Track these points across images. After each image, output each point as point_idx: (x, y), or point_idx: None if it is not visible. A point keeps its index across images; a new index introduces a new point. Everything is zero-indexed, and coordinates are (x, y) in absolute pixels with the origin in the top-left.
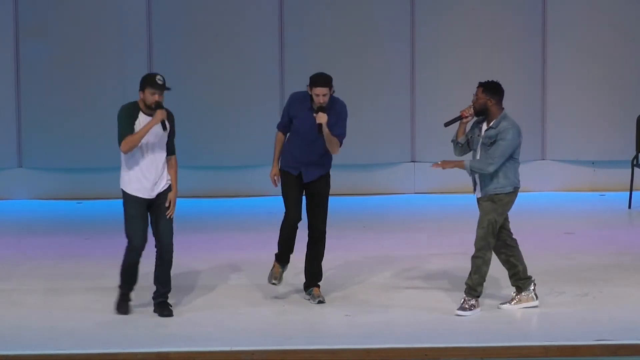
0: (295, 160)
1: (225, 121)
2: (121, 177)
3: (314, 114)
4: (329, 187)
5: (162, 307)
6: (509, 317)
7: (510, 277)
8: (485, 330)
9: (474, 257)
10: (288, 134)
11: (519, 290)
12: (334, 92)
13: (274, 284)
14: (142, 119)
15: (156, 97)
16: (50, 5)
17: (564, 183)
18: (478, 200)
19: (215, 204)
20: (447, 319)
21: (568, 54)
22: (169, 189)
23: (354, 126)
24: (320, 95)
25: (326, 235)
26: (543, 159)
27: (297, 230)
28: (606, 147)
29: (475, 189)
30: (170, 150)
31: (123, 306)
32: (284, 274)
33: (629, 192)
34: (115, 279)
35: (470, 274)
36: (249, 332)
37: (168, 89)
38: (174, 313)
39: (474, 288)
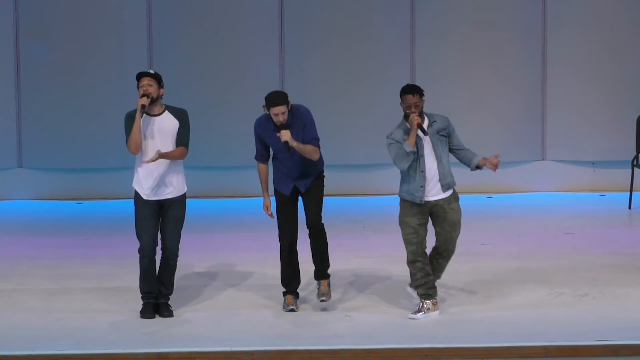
0: (286, 177)
1: (225, 121)
2: (134, 176)
3: (277, 134)
4: (322, 184)
5: (163, 308)
6: (509, 317)
7: (422, 285)
8: (485, 330)
9: (449, 258)
10: (271, 158)
11: (428, 297)
12: (291, 107)
13: (292, 309)
14: (144, 119)
15: (144, 88)
16: (50, 5)
17: (564, 183)
18: (438, 203)
19: (215, 204)
20: (447, 319)
21: (568, 54)
22: (181, 196)
23: (354, 126)
24: (279, 114)
25: (325, 229)
26: (543, 159)
27: (298, 256)
28: (606, 147)
29: (425, 193)
30: (181, 142)
31: (148, 312)
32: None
33: (629, 192)
34: (115, 279)
35: (439, 272)
36: (249, 332)
37: (159, 79)
38: (174, 314)
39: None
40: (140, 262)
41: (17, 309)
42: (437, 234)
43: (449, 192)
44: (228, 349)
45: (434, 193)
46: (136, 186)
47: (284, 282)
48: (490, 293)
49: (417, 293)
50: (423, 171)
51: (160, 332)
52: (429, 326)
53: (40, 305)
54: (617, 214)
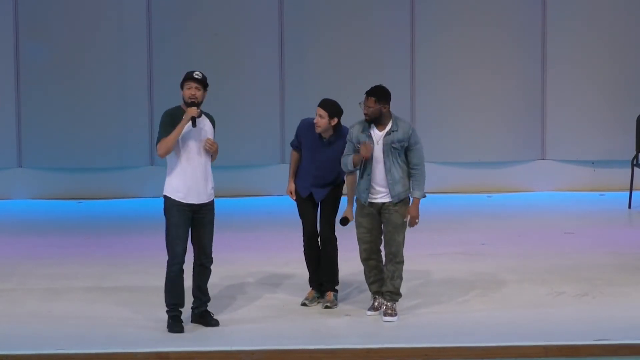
0: (303, 180)
1: (225, 121)
2: (165, 182)
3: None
4: (338, 195)
5: (209, 317)
6: (509, 317)
7: (375, 282)
8: (485, 330)
9: (397, 263)
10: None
11: (380, 295)
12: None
13: (303, 304)
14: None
15: (192, 91)
16: (50, 5)
17: (564, 183)
18: (385, 204)
19: (214, 204)
20: (447, 319)
21: (568, 54)
22: (213, 200)
23: None
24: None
25: (336, 240)
26: (543, 159)
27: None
28: (606, 147)
29: (369, 196)
30: None
31: (176, 325)
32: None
33: (629, 192)
34: (114, 279)
35: (388, 279)
36: (249, 332)
37: (206, 84)
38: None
39: (397, 292)
40: (169, 271)
41: (17, 309)
42: (383, 235)
43: (398, 199)
44: (228, 348)
45: (382, 197)
46: (170, 191)
47: (308, 271)
48: (490, 293)
49: (371, 290)
50: (369, 175)
51: (160, 332)
52: (429, 326)
53: (40, 305)
54: (617, 213)
